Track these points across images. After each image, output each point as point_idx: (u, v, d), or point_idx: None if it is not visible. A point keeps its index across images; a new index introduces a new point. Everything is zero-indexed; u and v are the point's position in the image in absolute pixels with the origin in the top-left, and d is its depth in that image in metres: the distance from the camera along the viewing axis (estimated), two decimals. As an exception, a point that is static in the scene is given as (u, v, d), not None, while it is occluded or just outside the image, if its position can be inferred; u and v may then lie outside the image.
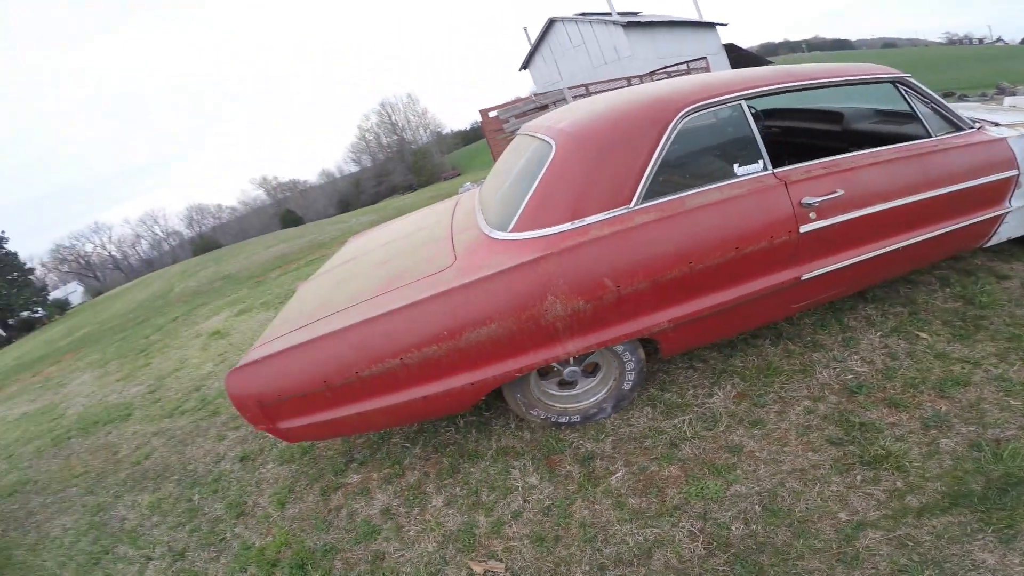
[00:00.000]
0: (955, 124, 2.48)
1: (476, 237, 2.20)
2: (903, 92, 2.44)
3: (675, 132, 2.04)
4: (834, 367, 2.28)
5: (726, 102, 2.15)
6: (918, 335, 2.36)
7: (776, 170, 2.14)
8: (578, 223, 1.96)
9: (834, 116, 3.20)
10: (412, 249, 2.55)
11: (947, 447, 1.78)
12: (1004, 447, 1.72)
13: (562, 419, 2.31)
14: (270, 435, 2.10)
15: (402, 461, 2.41)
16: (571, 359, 2.21)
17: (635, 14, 25.65)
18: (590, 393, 2.35)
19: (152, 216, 66.37)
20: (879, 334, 2.42)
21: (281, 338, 2.10)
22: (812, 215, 2.09)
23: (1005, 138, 2.47)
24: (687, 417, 2.22)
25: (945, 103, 2.50)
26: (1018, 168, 2.45)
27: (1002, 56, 37.44)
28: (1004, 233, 2.59)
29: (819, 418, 2.04)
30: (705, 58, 18.84)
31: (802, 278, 2.15)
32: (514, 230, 2.03)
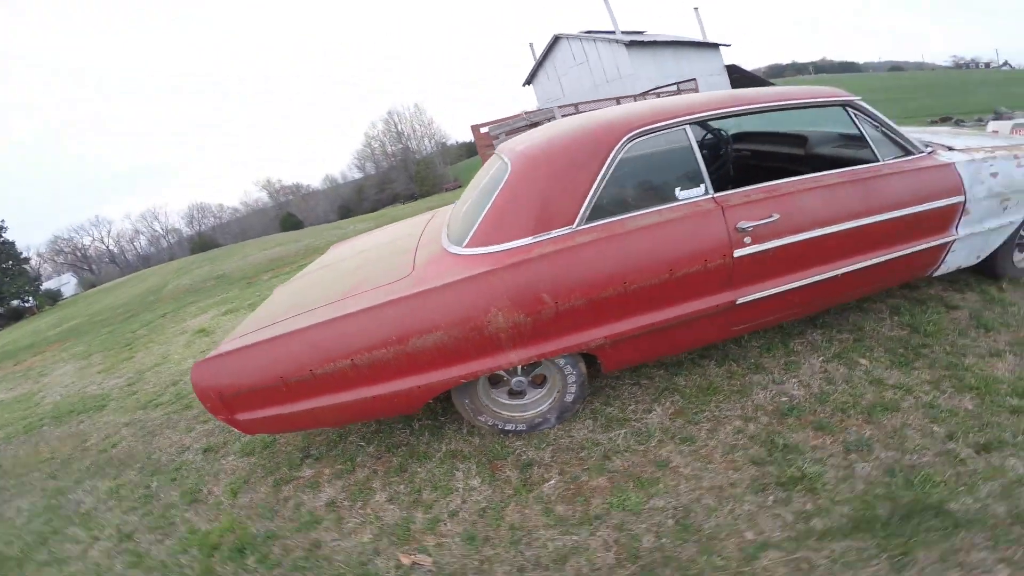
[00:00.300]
0: (904, 148, 2.51)
1: (436, 251, 2.33)
2: (852, 115, 2.48)
3: (619, 156, 2.14)
4: (771, 389, 2.36)
5: (670, 127, 2.23)
6: (858, 361, 2.43)
7: (716, 194, 2.21)
8: (524, 241, 2.07)
9: (798, 140, 3.27)
10: (380, 259, 2.69)
11: (862, 472, 1.85)
12: (917, 473, 1.79)
13: (509, 427, 2.39)
14: (231, 427, 2.21)
15: (355, 458, 2.51)
16: (518, 370, 2.31)
17: (639, 33, 26.02)
18: (536, 403, 2.43)
19: (153, 212, 66.67)
20: (821, 359, 2.50)
21: (246, 335, 2.22)
22: (747, 240, 2.16)
23: (953, 163, 2.49)
24: (624, 431, 2.30)
25: (895, 126, 2.53)
26: (964, 194, 2.46)
27: (1007, 80, 37.55)
28: (953, 262, 2.63)
29: (747, 438, 2.11)
30: (694, 80, 18.91)
31: (737, 302, 2.22)
32: (468, 245, 2.15)
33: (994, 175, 2.53)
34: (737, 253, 2.16)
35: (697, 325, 2.26)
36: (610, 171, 2.12)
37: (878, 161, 2.41)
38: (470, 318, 2.02)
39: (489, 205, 2.19)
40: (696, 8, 27.20)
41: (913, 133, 3.12)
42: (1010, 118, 10.79)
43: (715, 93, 2.50)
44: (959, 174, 2.46)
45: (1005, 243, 2.77)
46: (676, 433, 2.22)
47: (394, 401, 2.15)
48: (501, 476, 2.19)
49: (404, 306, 2.03)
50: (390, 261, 2.51)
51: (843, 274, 2.34)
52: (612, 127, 2.19)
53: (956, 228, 2.52)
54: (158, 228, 65.56)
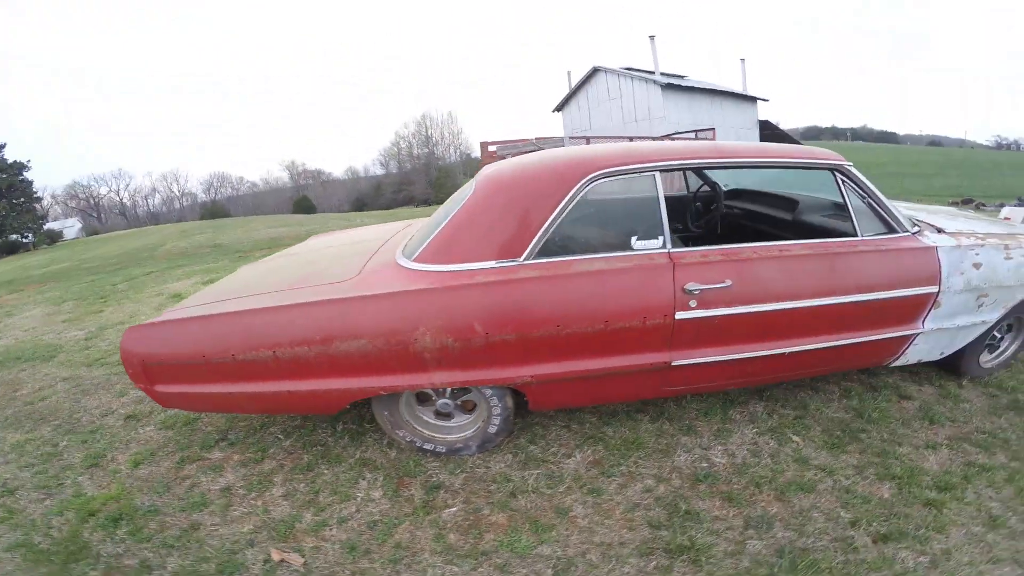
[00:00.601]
0: (889, 224, 2.35)
1: (388, 260, 2.30)
2: (839, 182, 2.33)
3: (579, 195, 2.07)
4: (695, 453, 2.28)
5: (637, 171, 2.15)
6: (791, 438, 2.36)
7: (673, 250, 2.12)
8: (469, 266, 2.03)
9: (789, 204, 3.16)
10: (338, 257, 2.67)
11: (753, 549, 1.77)
12: (805, 557, 1.72)
13: (427, 446, 2.33)
14: (149, 397, 2.20)
15: (268, 449, 2.48)
16: (446, 391, 2.27)
17: (679, 77, 26.17)
18: (461, 428, 2.38)
19: (174, 174, 67.73)
20: (755, 431, 2.42)
21: (186, 308, 2.23)
22: (692, 303, 2.06)
23: (935, 247, 2.32)
24: (538, 472, 2.23)
25: (883, 199, 2.35)
26: (939, 285, 2.30)
27: None
28: (914, 355, 2.51)
29: (653, 498, 2.04)
30: (713, 129, 18.49)
31: (672, 364, 2.14)
32: (416, 260, 2.13)
33: (976, 266, 2.36)
34: (679, 315, 2.06)
35: (629, 380, 2.19)
36: (567, 209, 2.06)
37: (856, 236, 2.28)
38: (397, 332, 1.97)
39: (443, 224, 2.17)
40: (743, 59, 27.42)
41: (911, 209, 3.05)
42: (1031, 205, 10.64)
43: (697, 143, 2.46)
44: (939, 260, 2.30)
45: (974, 342, 2.64)
46: (587, 483, 2.15)
47: (312, 400, 2.12)
48: (405, 493, 2.14)
49: (335, 308, 2.01)
50: (345, 261, 2.48)
51: (791, 353, 2.23)
52: (576, 165, 2.12)
53: (923, 321, 2.37)
54: (175, 190, 66.42)
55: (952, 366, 2.81)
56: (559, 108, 29.11)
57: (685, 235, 3.97)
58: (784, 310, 2.14)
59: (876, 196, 2.34)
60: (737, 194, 3.83)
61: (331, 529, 1.97)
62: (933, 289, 2.30)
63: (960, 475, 2.10)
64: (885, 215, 2.35)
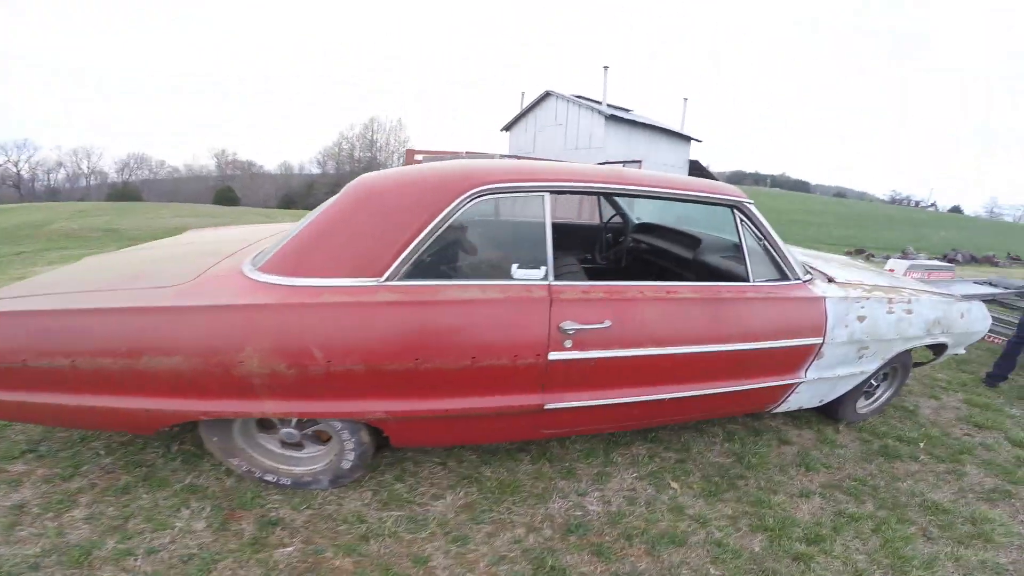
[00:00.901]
0: (781, 271, 2.31)
1: (234, 266, 1.98)
2: (737, 220, 2.25)
3: (458, 212, 1.85)
4: (571, 500, 2.14)
5: (525, 191, 1.95)
6: (670, 484, 2.27)
7: (554, 282, 1.94)
8: (318, 282, 1.76)
9: (692, 242, 3.13)
10: (186, 257, 2.30)
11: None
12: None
13: (269, 477, 2.06)
14: None
15: (82, 466, 2.13)
16: (292, 420, 1.99)
17: (625, 110, 27.09)
18: (311, 460, 2.10)
19: (87, 151, 61.87)
20: (635, 475, 2.32)
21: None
22: (568, 343, 1.89)
23: (824, 298, 2.30)
24: (401, 514, 2.00)
25: (779, 242, 2.31)
26: (824, 336, 2.29)
27: (928, 221, 41.44)
28: (795, 402, 2.52)
29: (520, 551, 1.86)
30: (639, 161, 18.63)
31: (546, 407, 1.97)
32: (260, 270, 1.84)
33: (861, 319, 2.39)
34: (553, 356, 1.89)
35: (501, 421, 2.01)
36: (442, 227, 1.84)
37: (747, 280, 2.23)
38: (218, 352, 1.68)
39: (297, 231, 1.90)
40: (686, 99, 28.80)
41: (808, 256, 3.13)
42: (916, 259, 11.72)
43: (598, 167, 2.27)
44: (825, 311, 2.29)
45: (852, 390, 2.72)
46: (454, 529, 1.94)
47: (120, 419, 1.80)
48: (234, 527, 1.86)
49: (147, 318, 1.69)
50: (188, 263, 2.13)
51: (671, 400, 2.14)
52: (458, 178, 1.90)
53: (805, 371, 2.37)
54: (84, 167, 60.73)
55: (830, 411, 2.88)
56: (508, 128, 29.33)
57: (591, 266, 3.95)
58: (665, 355, 2.03)
59: (772, 239, 2.29)
60: (647, 228, 3.82)
61: (135, 560, 1.70)
62: (818, 340, 2.29)
63: (830, 526, 2.10)
64: (779, 260, 2.31)
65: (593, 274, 3.85)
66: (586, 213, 4.35)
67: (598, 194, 2.08)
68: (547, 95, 26.63)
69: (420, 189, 1.88)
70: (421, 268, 1.84)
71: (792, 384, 2.38)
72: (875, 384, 2.93)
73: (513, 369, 1.86)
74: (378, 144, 55.06)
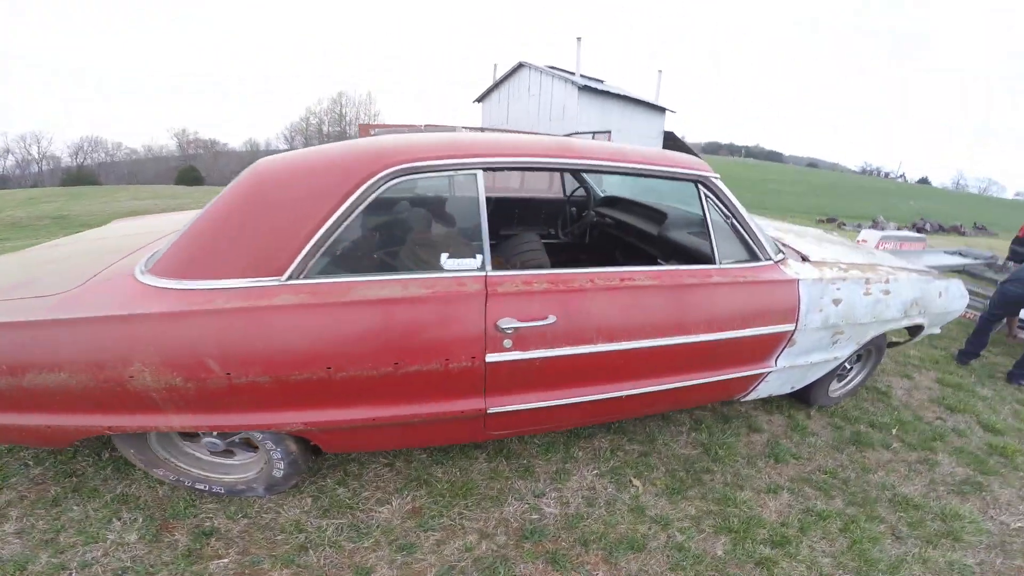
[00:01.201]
0: (751, 251, 2.10)
1: (128, 267, 1.72)
2: (702, 196, 2.04)
3: (370, 196, 1.60)
4: (528, 501, 2.01)
5: (453, 168, 1.69)
6: (632, 481, 2.15)
7: (491, 272, 1.71)
8: (211, 284, 1.52)
9: (658, 216, 2.93)
10: (85, 257, 1.99)
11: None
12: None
13: (200, 486, 1.90)
14: None
15: (10, 478, 1.99)
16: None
17: (598, 81, 26.65)
18: (243, 468, 1.94)
19: (36, 136, 58.41)
20: (595, 472, 2.19)
21: None
22: (507, 343, 1.69)
23: (797, 280, 2.12)
24: (342, 521, 1.86)
25: (748, 219, 2.09)
26: (797, 322, 2.12)
27: (897, 192, 42.30)
28: (764, 391, 2.39)
29: (472, 559, 1.73)
30: (609, 132, 18.03)
31: (489, 411, 1.79)
32: (151, 272, 1.60)
33: (836, 302, 2.22)
34: (491, 358, 1.69)
35: (440, 427, 1.83)
36: (351, 214, 1.58)
37: (713, 263, 2.03)
38: (104, 367, 1.47)
39: (189, 226, 1.65)
40: (660, 71, 28.43)
41: (781, 231, 2.95)
42: (883, 229, 11.79)
43: (541, 138, 2.03)
44: (799, 295, 2.11)
45: (825, 375, 2.60)
46: (400, 537, 1.80)
47: (28, 435, 1.63)
48: (167, 538, 1.76)
49: (22, 333, 1.48)
50: (82, 265, 1.85)
51: (629, 396, 1.97)
52: (370, 157, 1.63)
53: (776, 360, 2.22)
54: (35, 152, 57.69)
55: (802, 396, 2.78)
56: (481, 99, 28.65)
57: (553, 242, 3.77)
58: (620, 351, 1.84)
59: (740, 215, 2.09)
60: (612, 202, 3.63)
61: (69, 574, 1.62)
62: (790, 327, 2.12)
63: (797, 526, 2.00)
64: (748, 239, 2.11)
65: (555, 250, 3.68)
66: (555, 186, 4.11)
67: (542, 169, 1.85)
68: (520, 66, 26.07)
69: (323, 173, 1.62)
70: (330, 264, 1.63)
71: (761, 374, 2.24)
72: (848, 367, 2.84)
73: (445, 374, 1.67)
74: (348, 119, 53.49)
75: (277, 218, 1.56)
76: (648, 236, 2.88)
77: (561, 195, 3.92)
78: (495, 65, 27.43)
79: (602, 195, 3.83)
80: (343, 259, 1.68)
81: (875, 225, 13.56)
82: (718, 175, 2.09)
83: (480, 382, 1.73)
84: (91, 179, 39.93)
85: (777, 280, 2.11)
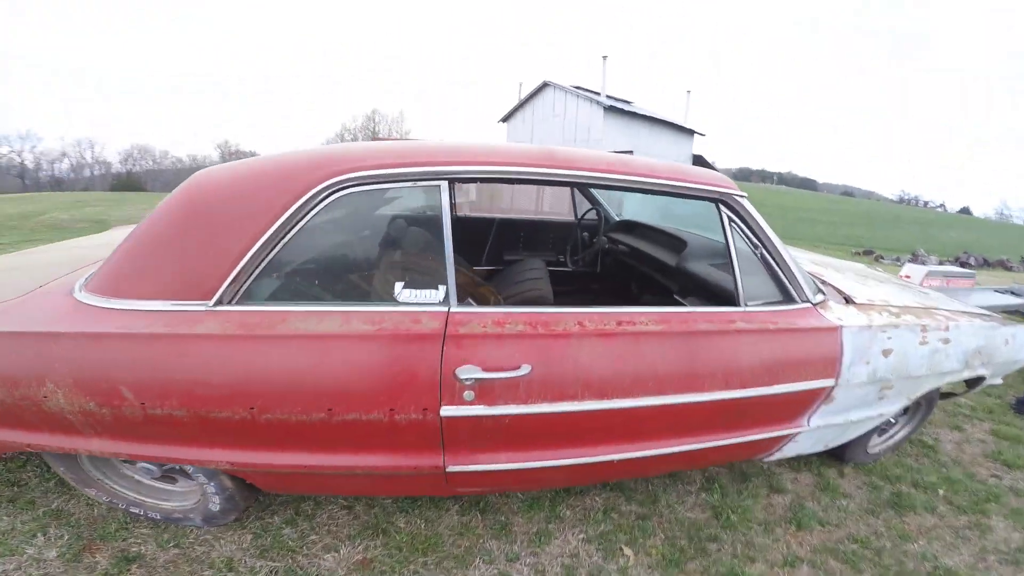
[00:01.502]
0: (785, 290, 1.75)
1: (71, 282, 1.57)
2: (724, 219, 1.69)
3: (311, 211, 1.37)
4: (498, 566, 1.71)
5: (410, 179, 1.42)
6: (622, 549, 1.83)
7: (455, 309, 1.43)
8: (134, 305, 1.36)
9: (677, 244, 2.60)
10: (50, 265, 1.86)
11: None
12: None
13: (135, 510, 1.73)
14: None
15: None
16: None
17: (625, 102, 26.46)
18: (182, 496, 1.77)
19: (90, 141, 61.97)
20: (581, 536, 1.87)
21: None
22: (468, 395, 1.39)
23: (840, 328, 1.75)
24: (280, 565, 1.65)
25: (783, 252, 1.74)
26: (837, 377, 1.74)
27: (936, 222, 40.60)
28: (791, 451, 2.01)
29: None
30: (631, 151, 17.32)
31: (449, 470, 1.51)
32: (84, 288, 1.45)
33: (886, 353, 1.84)
34: (448, 412, 1.40)
35: (395, 479, 1.57)
36: (290, 232, 1.37)
37: (738, 305, 1.66)
38: (19, 384, 1.33)
39: (123, 241, 1.47)
40: (689, 91, 28.15)
41: (818, 265, 2.59)
42: (924, 262, 11.12)
43: (522, 145, 1.73)
44: (841, 346, 1.74)
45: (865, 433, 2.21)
46: (342, 595, 1.53)
47: None
48: (88, 559, 1.64)
49: None
50: (37, 275, 1.71)
51: (625, 460, 1.63)
52: (307, 167, 1.41)
53: (808, 419, 1.85)
54: (88, 157, 60.65)
55: (835, 451, 2.36)
56: (505, 119, 28.78)
57: (562, 270, 3.47)
58: (614, 410, 1.50)
59: (771, 245, 1.72)
60: (627, 227, 3.33)
61: None
62: (828, 384, 1.75)
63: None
64: (782, 274, 1.74)
65: (562, 279, 3.40)
66: (568, 208, 3.83)
67: (520, 181, 1.56)
68: (545, 86, 26.04)
69: (257, 185, 1.40)
70: (265, 289, 1.40)
71: (789, 435, 1.89)
72: (893, 420, 2.45)
73: (391, 426, 1.40)
74: (381, 135, 54.72)
75: (206, 236, 1.36)
76: (666, 267, 2.55)
77: (572, 218, 3.65)
78: (520, 84, 27.52)
79: (617, 219, 3.55)
80: (280, 285, 1.44)
81: (915, 258, 12.87)
82: (745, 194, 1.74)
83: (436, 437, 1.45)
84: (137, 186, 41.67)
85: (816, 328, 1.73)
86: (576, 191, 3.63)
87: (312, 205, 1.37)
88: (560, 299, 3.28)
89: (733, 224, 1.71)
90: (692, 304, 2.13)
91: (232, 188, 1.42)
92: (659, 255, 2.64)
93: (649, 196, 1.70)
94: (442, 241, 1.44)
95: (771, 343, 1.66)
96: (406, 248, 1.61)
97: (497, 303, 2.28)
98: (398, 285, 1.44)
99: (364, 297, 1.51)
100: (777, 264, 1.75)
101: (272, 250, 1.37)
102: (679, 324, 1.58)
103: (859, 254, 15.41)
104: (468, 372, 1.37)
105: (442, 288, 1.44)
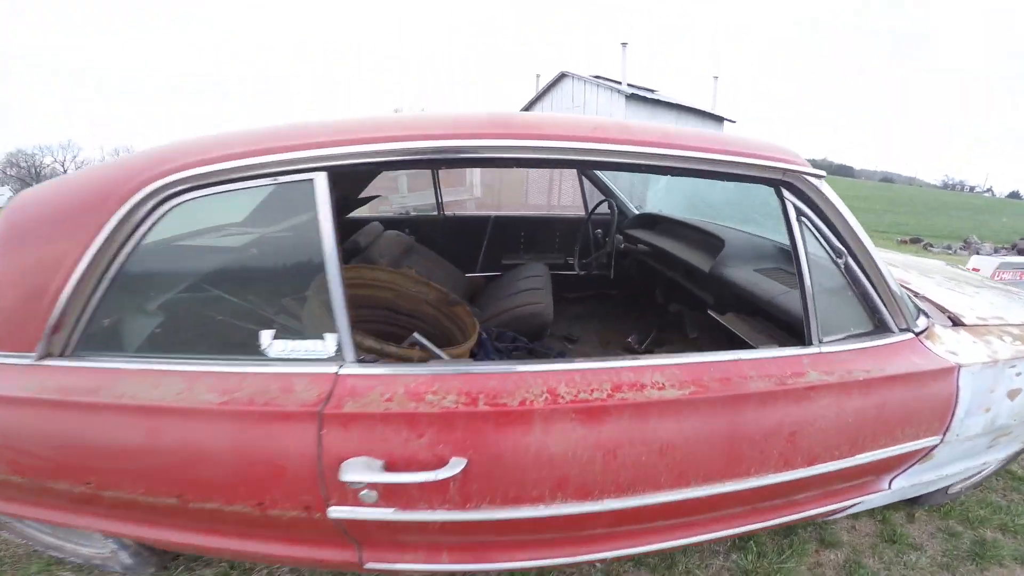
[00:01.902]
0: (878, 314, 1.24)
1: None
2: (791, 210, 1.17)
3: (136, 232, 1.01)
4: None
5: (266, 173, 1.00)
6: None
7: (350, 369, 1.00)
8: None
9: (712, 245, 2.11)
10: None
11: None
12: None
13: (55, 553, 1.54)
14: None
15: None
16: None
17: (647, 90, 25.66)
18: (100, 543, 1.47)
19: (128, 148, 64.08)
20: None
21: None
22: (368, 495, 0.96)
23: (958, 367, 1.25)
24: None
25: (874, 256, 1.22)
26: (945, 433, 1.29)
27: (985, 208, 38.47)
28: (857, 509, 1.53)
29: None
30: None
31: (367, 567, 1.13)
32: None
33: (1013, 394, 1.36)
34: (337, 514, 1.00)
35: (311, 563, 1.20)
36: (116, 259, 1.01)
37: (807, 343, 1.17)
38: None
39: None
40: (716, 77, 27.19)
41: (893, 265, 2.05)
42: (978, 251, 10.20)
43: (451, 113, 1.18)
44: (957, 393, 1.25)
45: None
46: None
47: None
48: None
49: None
50: None
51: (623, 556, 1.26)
52: (127, 173, 1.03)
53: (890, 483, 1.41)
54: (125, 164, 63.08)
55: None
56: (523, 112, 28.33)
57: (569, 274, 2.98)
58: (609, 512, 1.06)
59: (862, 248, 1.20)
60: (648, 222, 2.81)
61: None
62: (932, 442, 1.28)
63: None
64: (874, 292, 1.23)
65: (570, 286, 2.95)
66: (587, 199, 3.28)
67: (439, 163, 1.14)
68: (563, 76, 25.48)
69: (71, 203, 1.04)
70: (100, 338, 1.05)
71: (858, 503, 1.43)
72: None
73: (266, 519, 1.02)
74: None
75: (19, 271, 1.02)
76: (696, 273, 2.08)
77: (573, 215, 3.19)
78: (537, 76, 26.99)
79: (636, 212, 3.06)
80: (120, 332, 1.08)
81: (967, 246, 11.95)
82: (822, 173, 1.20)
83: (338, 534, 1.06)
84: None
85: (923, 372, 1.21)
86: (584, 178, 3.14)
87: (135, 222, 1.00)
88: (566, 311, 2.81)
89: (803, 218, 1.18)
90: (732, 323, 1.67)
91: (47, 207, 1.07)
92: (688, 257, 2.16)
93: (675, 180, 1.25)
94: (323, 263, 0.99)
95: (859, 402, 1.15)
96: (278, 275, 1.18)
97: (472, 329, 1.85)
98: (265, 333, 1.03)
99: (221, 350, 1.09)
100: (868, 278, 1.22)
101: (98, 285, 1.01)
102: (717, 386, 1.06)
103: (905, 242, 14.49)
104: (358, 472, 0.93)
105: (331, 338, 1.01)
